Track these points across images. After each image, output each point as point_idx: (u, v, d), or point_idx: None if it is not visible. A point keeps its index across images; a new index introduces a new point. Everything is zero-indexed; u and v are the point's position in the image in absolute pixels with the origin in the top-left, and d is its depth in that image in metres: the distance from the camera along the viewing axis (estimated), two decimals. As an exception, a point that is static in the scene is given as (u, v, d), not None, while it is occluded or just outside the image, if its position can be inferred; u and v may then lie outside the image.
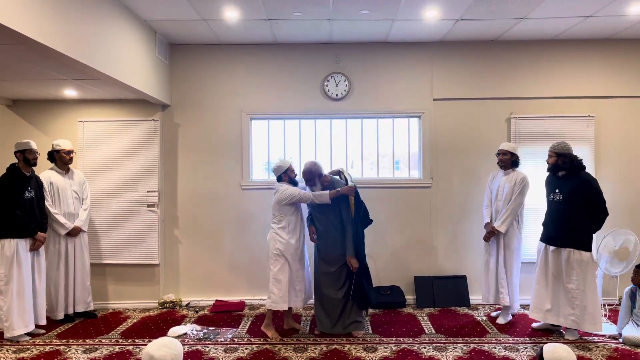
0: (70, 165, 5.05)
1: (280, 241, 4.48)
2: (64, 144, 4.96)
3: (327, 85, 5.65)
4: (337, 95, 5.66)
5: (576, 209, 4.26)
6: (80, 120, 5.55)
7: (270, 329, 4.54)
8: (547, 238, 4.48)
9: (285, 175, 4.56)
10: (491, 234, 4.87)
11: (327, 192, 4.39)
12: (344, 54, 5.67)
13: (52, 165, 4.99)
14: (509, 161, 4.88)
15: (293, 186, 4.53)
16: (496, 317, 4.99)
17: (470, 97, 5.66)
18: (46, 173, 4.92)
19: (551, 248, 4.42)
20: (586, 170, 4.35)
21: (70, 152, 4.99)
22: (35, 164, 4.63)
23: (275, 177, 4.68)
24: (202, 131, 5.71)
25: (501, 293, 4.84)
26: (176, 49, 5.68)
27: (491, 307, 5.36)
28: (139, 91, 4.87)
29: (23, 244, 4.48)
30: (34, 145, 4.60)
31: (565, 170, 4.36)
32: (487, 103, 5.67)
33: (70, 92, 5.20)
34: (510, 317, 4.88)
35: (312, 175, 4.53)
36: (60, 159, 4.96)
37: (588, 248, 4.27)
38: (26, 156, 4.56)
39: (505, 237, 4.85)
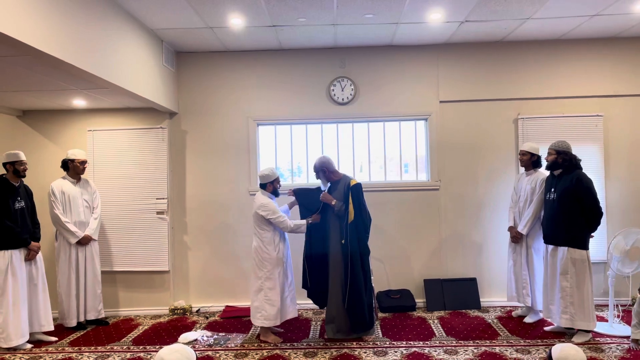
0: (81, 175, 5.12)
1: (266, 258, 4.46)
2: (79, 154, 5.02)
3: (333, 90, 5.67)
4: (343, 99, 5.68)
5: (568, 207, 4.26)
6: (90, 129, 5.61)
7: (269, 335, 4.53)
8: (545, 237, 4.51)
9: (270, 185, 4.56)
10: (516, 239, 4.88)
11: (304, 222, 4.52)
12: (349, 58, 5.69)
13: (65, 174, 5.05)
14: (529, 162, 4.85)
15: (274, 197, 4.59)
16: (508, 319, 4.98)
17: (477, 98, 5.65)
18: (58, 182, 4.98)
19: (550, 247, 4.44)
20: (582, 170, 4.35)
21: (84, 162, 5.05)
22: (24, 175, 4.61)
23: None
24: (209, 138, 5.75)
25: (523, 294, 4.86)
26: (182, 57, 5.73)
27: (502, 310, 5.33)
28: (146, 99, 4.91)
29: (17, 255, 4.46)
30: (23, 156, 4.59)
31: (562, 169, 4.37)
32: (493, 104, 5.65)
33: (79, 102, 5.26)
34: (538, 317, 4.85)
35: (316, 169, 4.64)
36: (74, 169, 5.01)
37: (583, 246, 4.27)
38: (16, 167, 4.53)
39: (528, 238, 4.85)
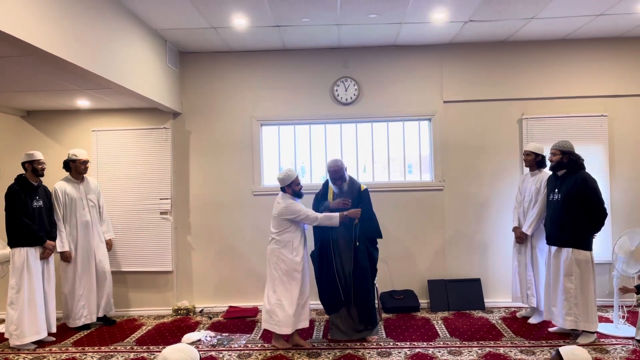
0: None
1: (284, 260, 4.26)
2: (80, 154, 5.02)
3: (337, 90, 5.66)
4: (346, 99, 5.67)
5: (573, 208, 4.24)
6: (94, 129, 5.62)
7: (279, 341, 4.42)
8: (548, 238, 4.48)
9: (289, 188, 4.35)
10: (521, 239, 4.87)
11: (337, 215, 4.27)
12: (352, 58, 5.68)
13: (67, 174, 5.05)
14: (533, 162, 4.84)
15: (297, 199, 4.37)
16: (513, 320, 4.96)
17: (481, 98, 5.63)
18: (61, 183, 4.99)
19: (553, 248, 4.42)
20: (586, 170, 4.33)
21: (85, 162, 5.05)
22: (42, 174, 4.69)
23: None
24: (213, 138, 5.75)
25: (528, 294, 4.86)
26: (186, 57, 5.74)
27: (506, 311, 5.31)
28: (150, 100, 4.92)
29: (33, 253, 4.53)
30: (40, 155, 4.66)
31: (566, 169, 4.35)
32: (498, 104, 5.63)
33: (83, 102, 5.27)
34: (543, 318, 4.79)
35: (342, 170, 4.45)
36: (76, 169, 5.02)
37: (587, 247, 4.25)
38: (34, 166, 4.62)
39: (533, 239, 4.83)
